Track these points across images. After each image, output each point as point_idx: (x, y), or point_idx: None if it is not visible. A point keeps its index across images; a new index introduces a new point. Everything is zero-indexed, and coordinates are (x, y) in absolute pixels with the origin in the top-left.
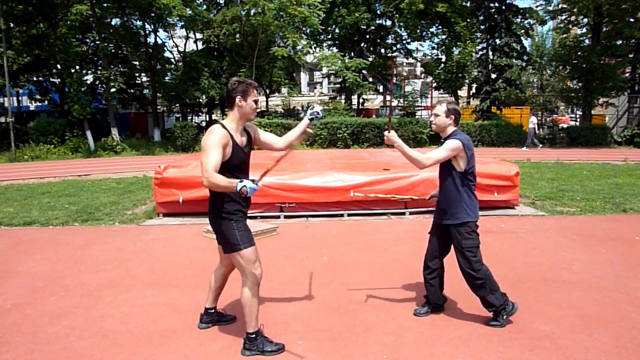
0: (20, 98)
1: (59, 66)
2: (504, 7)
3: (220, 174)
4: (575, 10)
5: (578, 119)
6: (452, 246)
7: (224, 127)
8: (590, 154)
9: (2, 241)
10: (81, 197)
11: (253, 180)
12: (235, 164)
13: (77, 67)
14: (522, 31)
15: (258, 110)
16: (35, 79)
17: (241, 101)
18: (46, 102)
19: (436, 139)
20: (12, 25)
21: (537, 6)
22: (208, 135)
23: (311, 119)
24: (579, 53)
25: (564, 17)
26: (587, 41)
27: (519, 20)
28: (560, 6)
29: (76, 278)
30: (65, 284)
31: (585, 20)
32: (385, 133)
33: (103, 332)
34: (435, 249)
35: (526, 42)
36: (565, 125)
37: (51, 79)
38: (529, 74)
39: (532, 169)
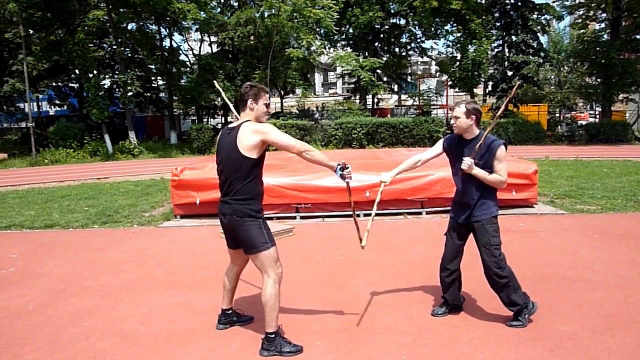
0: (40, 103)
1: (77, 71)
2: (520, 4)
3: (252, 173)
4: (593, 4)
5: (597, 116)
6: (464, 246)
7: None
8: (610, 151)
9: (24, 244)
10: (100, 200)
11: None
12: (263, 162)
13: (95, 72)
14: (539, 27)
15: (270, 113)
16: (54, 84)
17: (253, 104)
18: (65, 107)
19: None
20: (31, 31)
21: (553, 2)
22: (267, 125)
23: (340, 175)
24: (598, 48)
25: (581, 12)
26: (605, 36)
27: (535, 16)
28: (577, 1)
29: (96, 279)
30: (85, 285)
31: (604, 14)
32: (466, 160)
33: (123, 333)
34: (453, 250)
35: (543, 39)
36: (584, 122)
37: (70, 84)
38: (546, 70)
39: (550, 167)
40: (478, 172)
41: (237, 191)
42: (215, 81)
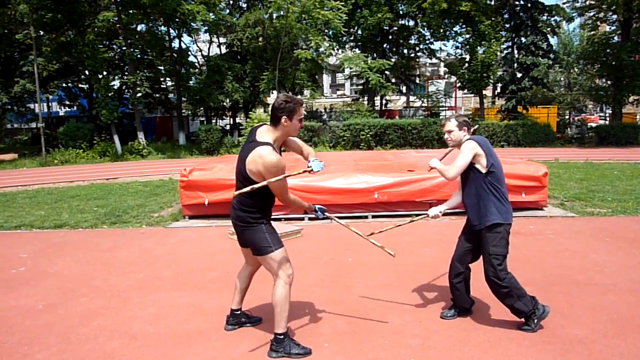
0: (50, 104)
1: (87, 72)
2: (529, 5)
3: (260, 191)
4: (603, 6)
5: (607, 118)
6: (474, 250)
7: (272, 146)
8: (620, 154)
9: (34, 243)
10: (109, 200)
11: (323, 211)
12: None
13: (105, 73)
14: (549, 29)
15: (302, 127)
16: (64, 85)
17: (287, 121)
18: (75, 108)
19: None
20: (42, 33)
21: (563, 3)
22: (271, 160)
23: (310, 171)
24: (608, 50)
25: (591, 14)
26: (616, 38)
27: (545, 17)
28: (588, 2)
29: (105, 280)
30: (94, 285)
31: (614, 16)
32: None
33: (132, 333)
34: (463, 252)
35: (553, 40)
36: (594, 124)
37: (80, 85)
38: (555, 72)
39: (560, 169)
40: (438, 165)
41: (240, 200)
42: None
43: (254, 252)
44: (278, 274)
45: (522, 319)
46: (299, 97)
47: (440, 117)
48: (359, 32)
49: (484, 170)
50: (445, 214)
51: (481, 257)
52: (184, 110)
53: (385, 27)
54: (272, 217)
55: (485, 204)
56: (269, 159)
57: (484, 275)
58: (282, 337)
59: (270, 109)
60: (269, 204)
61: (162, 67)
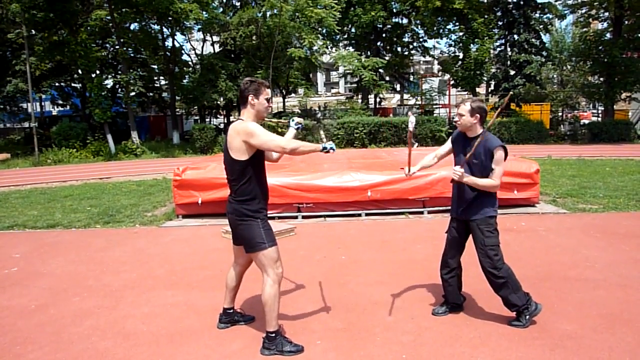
0: (43, 103)
1: (80, 71)
2: (522, 2)
3: (246, 174)
4: (595, 3)
5: (600, 115)
6: (466, 244)
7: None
8: (613, 150)
9: (27, 243)
10: (102, 200)
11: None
12: (262, 160)
13: (98, 72)
14: (541, 26)
15: (271, 108)
16: (57, 84)
17: (254, 99)
18: (68, 107)
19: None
20: (34, 32)
21: (556, 0)
22: (247, 123)
23: (297, 129)
24: (600, 47)
25: (583, 11)
26: (608, 35)
27: (537, 15)
28: (579, 0)
29: (98, 279)
30: (87, 285)
31: (606, 13)
32: (456, 170)
33: (125, 332)
34: (453, 248)
35: (545, 38)
36: (586, 121)
37: (72, 84)
38: (548, 69)
39: (553, 166)
40: (469, 179)
41: (235, 192)
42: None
43: (247, 248)
44: (268, 272)
45: (514, 314)
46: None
47: (435, 114)
48: (353, 30)
49: (489, 166)
50: (437, 212)
51: (475, 251)
52: (177, 109)
53: (378, 25)
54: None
55: (483, 196)
56: (245, 124)
57: (480, 267)
58: (273, 335)
59: (238, 94)
60: (265, 191)
61: (155, 66)
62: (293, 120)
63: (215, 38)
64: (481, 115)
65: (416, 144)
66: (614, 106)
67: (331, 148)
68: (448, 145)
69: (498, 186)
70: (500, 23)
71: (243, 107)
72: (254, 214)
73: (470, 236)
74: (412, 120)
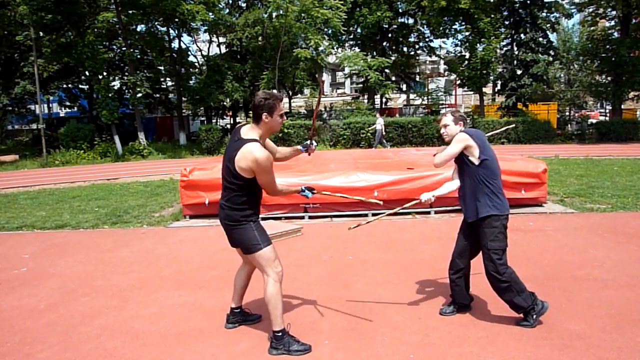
0: (50, 105)
1: (87, 73)
2: (528, 2)
3: (245, 188)
4: (602, 2)
5: (607, 114)
6: (473, 246)
7: (259, 142)
8: (620, 150)
9: (36, 244)
10: (110, 201)
11: (311, 190)
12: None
13: (105, 74)
14: (548, 25)
15: (285, 121)
16: (64, 86)
17: (267, 117)
18: (75, 109)
19: None
20: (42, 34)
21: None
22: (261, 155)
23: (302, 150)
24: (608, 46)
25: (591, 10)
26: (615, 34)
27: (544, 14)
28: None
29: (106, 279)
30: (96, 285)
31: (614, 12)
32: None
33: (133, 332)
34: (462, 248)
35: (552, 37)
36: (594, 121)
37: (80, 86)
38: (555, 69)
39: (560, 166)
40: (436, 193)
41: (229, 199)
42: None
43: (244, 251)
44: (267, 271)
45: (521, 315)
46: (277, 92)
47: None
48: (359, 30)
49: (476, 162)
50: (444, 212)
51: (480, 252)
52: (184, 110)
53: (384, 26)
54: (273, 216)
55: (478, 197)
56: (259, 155)
57: (484, 270)
58: (280, 334)
59: (251, 106)
60: (258, 200)
61: (162, 67)
62: (305, 146)
63: (221, 39)
64: (464, 123)
65: (314, 143)
66: (622, 105)
67: (307, 191)
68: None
69: (434, 162)
70: (506, 22)
71: (255, 122)
72: (245, 218)
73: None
74: (380, 121)
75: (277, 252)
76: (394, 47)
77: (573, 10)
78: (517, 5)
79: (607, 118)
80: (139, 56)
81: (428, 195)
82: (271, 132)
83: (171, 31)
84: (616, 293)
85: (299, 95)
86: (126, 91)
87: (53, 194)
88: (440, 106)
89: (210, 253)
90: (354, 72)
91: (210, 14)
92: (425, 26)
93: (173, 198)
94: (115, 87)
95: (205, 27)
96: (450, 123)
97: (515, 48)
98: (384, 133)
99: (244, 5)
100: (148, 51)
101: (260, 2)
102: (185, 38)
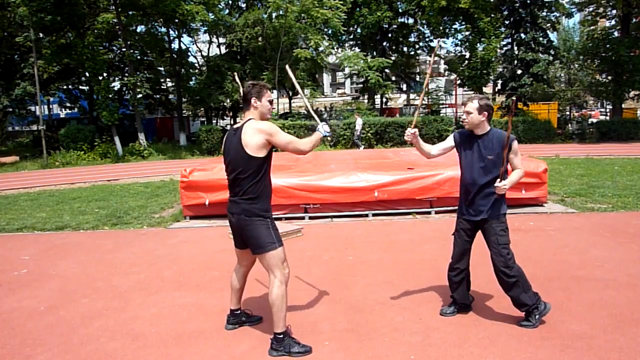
0: (50, 106)
1: (87, 74)
2: (529, 1)
3: (260, 172)
4: (603, 1)
5: (608, 113)
6: (472, 245)
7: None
8: (621, 149)
9: (36, 245)
10: (110, 202)
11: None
12: (271, 161)
13: (105, 75)
14: (548, 25)
15: (273, 109)
16: (64, 87)
17: (256, 102)
18: (76, 110)
19: None
20: (41, 35)
21: None
22: (264, 122)
23: (325, 136)
24: (608, 45)
25: (591, 9)
26: (616, 33)
27: (544, 13)
28: None
29: (107, 281)
30: (96, 286)
31: (614, 11)
32: (501, 187)
33: (133, 333)
34: (461, 249)
35: (552, 36)
36: (594, 120)
37: (80, 87)
38: (556, 68)
39: (561, 166)
40: (508, 184)
41: (245, 191)
42: (235, 74)
43: (255, 248)
44: (275, 272)
45: (523, 314)
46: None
47: (441, 114)
48: (359, 30)
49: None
50: (444, 212)
51: (483, 251)
52: (184, 111)
53: (384, 26)
54: (273, 216)
55: (494, 195)
56: (262, 124)
57: (492, 266)
58: (281, 336)
59: (241, 97)
60: (271, 190)
61: (162, 68)
62: (323, 127)
63: (221, 40)
64: (489, 113)
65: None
66: (622, 105)
67: (323, 128)
68: (447, 144)
69: (523, 173)
70: (507, 22)
71: (246, 109)
72: (264, 213)
73: (479, 237)
74: (359, 122)
75: (286, 254)
76: (394, 47)
77: (573, 10)
78: (517, 4)
79: (608, 117)
80: (139, 57)
81: (411, 130)
82: (263, 117)
83: (171, 32)
84: (617, 293)
85: (299, 96)
86: (126, 92)
87: (53, 195)
88: (441, 106)
89: (210, 254)
90: (354, 72)
91: (210, 14)
92: (425, 26)
93: (173, 199)
94: (116, 88)
95: (205, 28)
96: (473, 111)
97: (516, 48)
98: (359, 134)
99: (243, 5)
100: (148, 52)
101: (260, 2)
102: (185, 39)
